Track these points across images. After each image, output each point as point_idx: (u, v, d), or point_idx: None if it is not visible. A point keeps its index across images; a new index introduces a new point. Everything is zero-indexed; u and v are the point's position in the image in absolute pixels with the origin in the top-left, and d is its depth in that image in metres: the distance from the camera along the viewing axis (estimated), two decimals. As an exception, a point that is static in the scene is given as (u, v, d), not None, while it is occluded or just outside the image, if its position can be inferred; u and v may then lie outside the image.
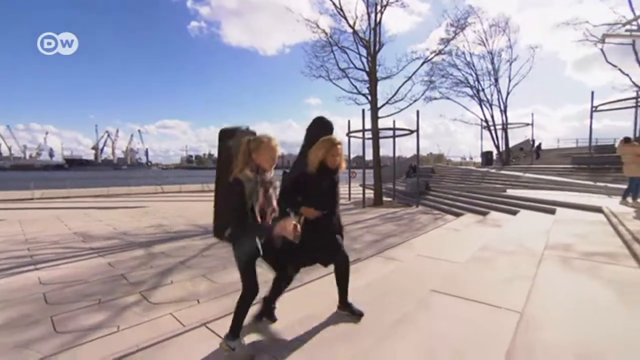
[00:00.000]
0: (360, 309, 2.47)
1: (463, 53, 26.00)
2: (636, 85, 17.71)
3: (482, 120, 25.51)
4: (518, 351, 1.81)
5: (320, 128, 2.59)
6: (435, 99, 26.27)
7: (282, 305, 2.53)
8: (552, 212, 7.15)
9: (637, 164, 7.14)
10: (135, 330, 2.62)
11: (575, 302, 2.50)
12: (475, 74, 25.90)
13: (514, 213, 7.90)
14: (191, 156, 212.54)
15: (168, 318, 2.85)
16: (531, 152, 23.92)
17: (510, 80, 24.98)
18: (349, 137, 14.87)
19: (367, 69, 14.04)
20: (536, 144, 25.69)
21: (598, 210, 6.57)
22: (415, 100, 15.02)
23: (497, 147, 25.25)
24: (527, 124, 24.47)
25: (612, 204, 7.08)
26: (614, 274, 3.07)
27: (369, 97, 13.90)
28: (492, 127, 25.28)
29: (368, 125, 13.83)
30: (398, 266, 4.09)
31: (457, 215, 9.47)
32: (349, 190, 15.33)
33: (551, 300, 2.56)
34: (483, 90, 25.66)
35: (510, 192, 10.67)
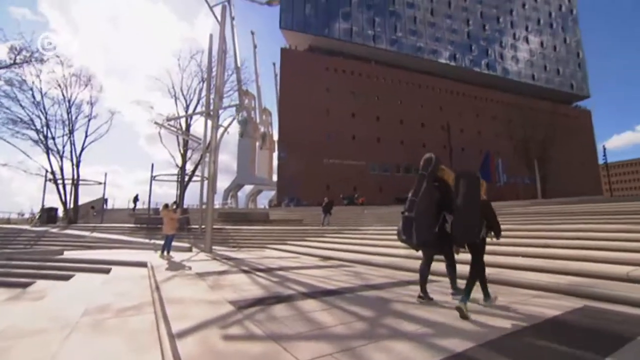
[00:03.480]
0: None
1: (32, 89, 22.26)
2: (177, 166, 23.89)
3: (47, 171, 22.24)
4: None
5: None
6: (-23, 133, 20.03)
7: None
8: (108, 271, 7.32)
9: (170, 225, 9.26)
10: None
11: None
12: (46, 118, 22.78)
13: (68, 278, 7.21)
14: None
15: None
16: (101, 211, 23.85)
17: (87, 136, 24.29)
18: None
19: None
20: (110, 203, 26.08)
21: (144, 265, 7.61)
22: None
23: (65, 203, 22.77)
24: (101, 183, 24.42)
25: (155, 258, 8.52)
26: (135, 324, 3.56)
27: None
28: (60, 181, 22.71)
29: None
30: None
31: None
32: None
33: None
34: (54, 138, 22.92)
35: (67, 254, 9.75)
